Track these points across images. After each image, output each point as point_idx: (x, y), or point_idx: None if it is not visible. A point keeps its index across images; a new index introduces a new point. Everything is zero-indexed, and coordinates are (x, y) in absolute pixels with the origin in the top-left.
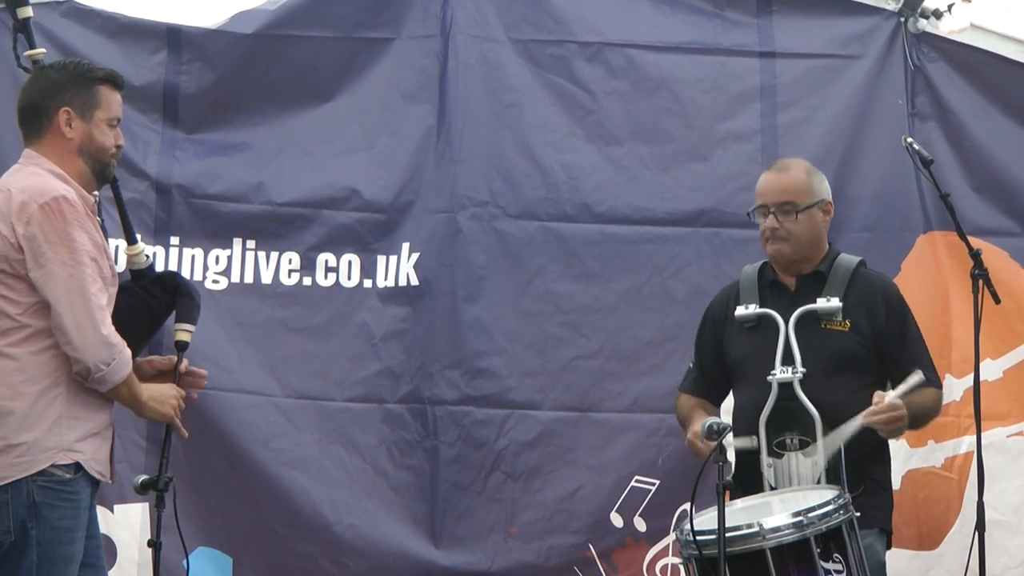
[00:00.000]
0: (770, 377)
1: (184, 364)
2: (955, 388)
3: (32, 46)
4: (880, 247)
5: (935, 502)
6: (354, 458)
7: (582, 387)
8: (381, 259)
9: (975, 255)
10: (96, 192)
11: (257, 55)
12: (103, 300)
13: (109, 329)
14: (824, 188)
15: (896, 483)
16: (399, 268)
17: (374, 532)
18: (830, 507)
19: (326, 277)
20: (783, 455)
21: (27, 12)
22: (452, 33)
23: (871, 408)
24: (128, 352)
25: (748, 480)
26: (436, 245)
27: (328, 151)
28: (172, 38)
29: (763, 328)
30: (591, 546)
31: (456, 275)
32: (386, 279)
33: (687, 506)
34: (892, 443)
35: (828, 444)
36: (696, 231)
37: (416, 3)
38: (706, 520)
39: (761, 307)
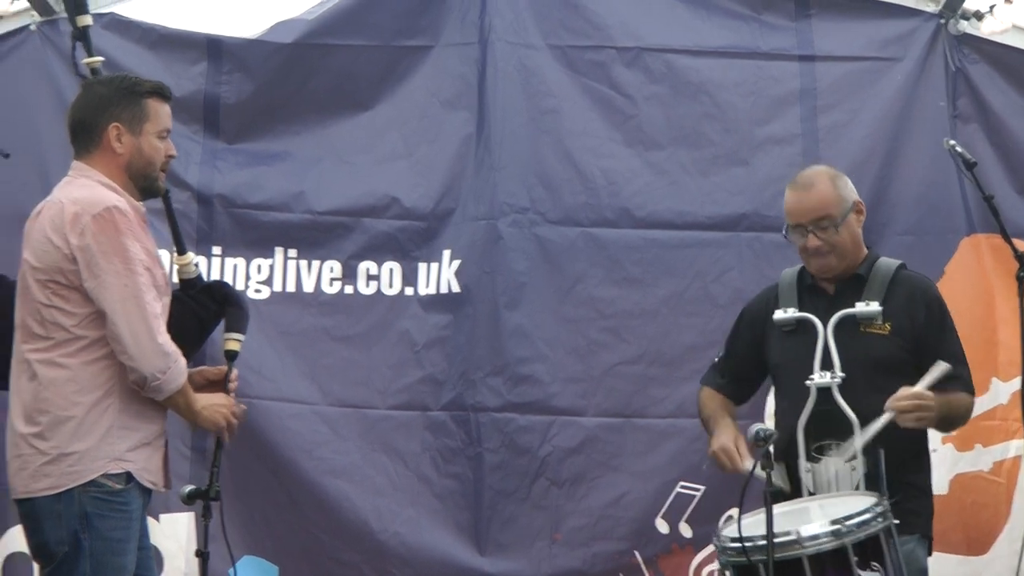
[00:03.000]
0: (808, 382)
1: (234, 374)
2: (1002, 391)
3: (91, 54)
4: (923, 250)
5: (983, 507)
6: (397, 466)
7: (625, 393)
8: (422, 267)
9: (1020, 257)
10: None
11: (296, 64)
12: (157, 309)
13: (165, 338)
14: (851, 189)
15: (943, 487)
16: (440, 275)
17: (418, 540)
18: (868, 515)
19: (368, 285)
20: (821, 460)
21: (86, 20)
22: (490, 40)
23: (895, 395)
24: (183, 361)
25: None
26: (477, 252)
27: (368, 159)
28: (212, 49)
29: (802, 332)
30: (636, 552)
31: (497, 282)
32: (427, 286)
33: (733, 511)
34: (939, 446)
35: (860, 439)
36: (737, 235)
37: (454, 11)
38: (745, 526)
39: (800, 311)
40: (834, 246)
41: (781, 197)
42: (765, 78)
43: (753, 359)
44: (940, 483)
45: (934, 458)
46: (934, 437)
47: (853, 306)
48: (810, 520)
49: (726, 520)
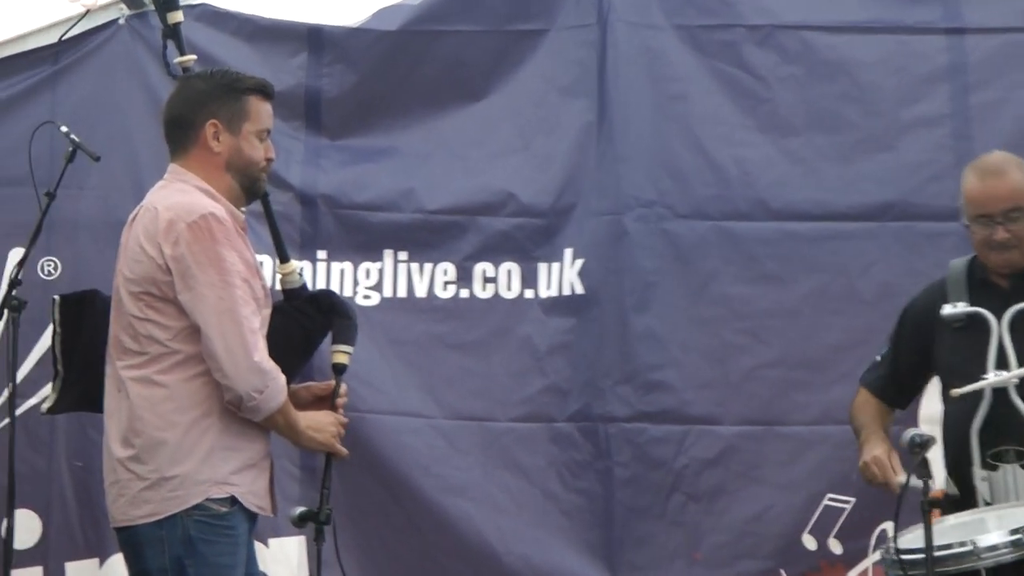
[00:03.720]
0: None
1: (343, 389)
2: None
3: (182, 52)
4: None
5: None
6: (521, 482)
7: (765, 399)
8: (543, 267)
9: None
10: (243, 208)
11: (402, 53)
12: (255, 324)
13: (262, 355)
14: None
15: None
16: (562, 276)
17: (546, 561)
18: None
19: (484, 288)
20: (999, 467)
21: (178, 17)
22: (610, 21)
23: None
24: (282, 379)
25: (959, 495)
26: (601, 250)
27: (481, 153)
28: (312, 39)
29: (973, 329)
30: (782, 571)
31: (624, 282)
32: (549, 288)
33: (887, 525)
34: None
35: None
36: (883, 226)
37: None
38: (914, 539)
39: (971, 305)
40: (1022, 239)
41: (931, 183)
42: (910, 54)
43: (918, 362)
44: None
45: None
46: None
47: None
48: (987, 531)
49: (881, 533)
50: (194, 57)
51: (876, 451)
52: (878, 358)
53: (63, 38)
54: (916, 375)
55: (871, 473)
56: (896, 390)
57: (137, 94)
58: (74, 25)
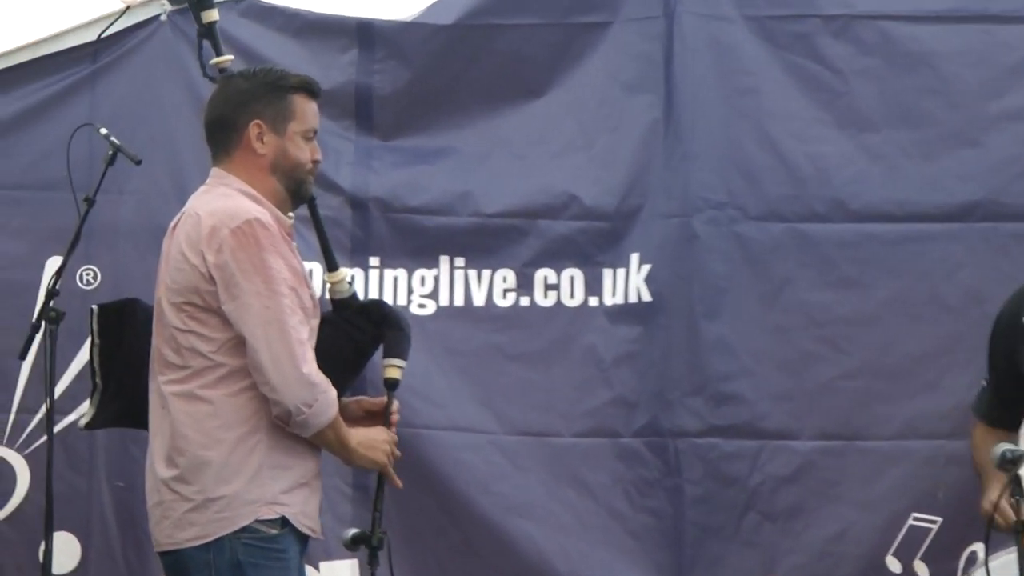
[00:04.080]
0: None
1: (395, 405)
2: None
3: (219, 53)
4: None
5: None
6: (586, 501)
7: (845, 411)
8: (607, 273)
9: None
10: (291, 213)
11: (458, 48)
12: (304, 334)
13: (311, 367)
14: None
15: None
16: (628, 282)
17: None
18: None
19: (546, 296)
20: None
21: (213, 16)
22: (676, 12)
23: None
24: (333, 392)
25: None
26: (669, 255)
27: (541, 153)
28: (363, 34)
29: None
30: None
31: (693, 288)
32: (614, 295)
33: (976, 547)
34: None
35: None
36: (969, 227)
37: None
38: (999, 566)
39: None
40: None
41: (1018, 181)
42: (996, 44)
43: (1015, 375)
44: None
45: None
46: None
47: None
48: None
49: (969, 557)
50: (231, 58)
51: (992, 495)
52: (983, 383)
53: (102, 36)
54: (1018, 389)
55: (998, 525)
56: (1008, 413)
57: (179, 94)
58: (114, 22)
